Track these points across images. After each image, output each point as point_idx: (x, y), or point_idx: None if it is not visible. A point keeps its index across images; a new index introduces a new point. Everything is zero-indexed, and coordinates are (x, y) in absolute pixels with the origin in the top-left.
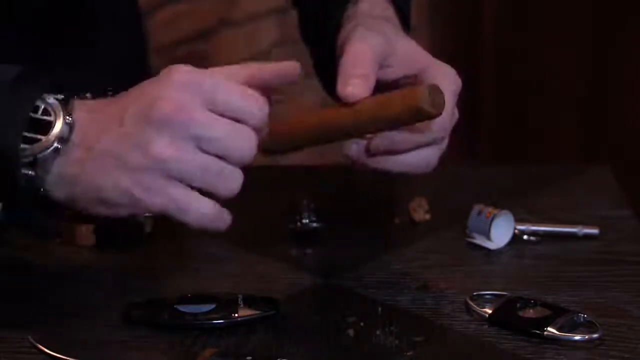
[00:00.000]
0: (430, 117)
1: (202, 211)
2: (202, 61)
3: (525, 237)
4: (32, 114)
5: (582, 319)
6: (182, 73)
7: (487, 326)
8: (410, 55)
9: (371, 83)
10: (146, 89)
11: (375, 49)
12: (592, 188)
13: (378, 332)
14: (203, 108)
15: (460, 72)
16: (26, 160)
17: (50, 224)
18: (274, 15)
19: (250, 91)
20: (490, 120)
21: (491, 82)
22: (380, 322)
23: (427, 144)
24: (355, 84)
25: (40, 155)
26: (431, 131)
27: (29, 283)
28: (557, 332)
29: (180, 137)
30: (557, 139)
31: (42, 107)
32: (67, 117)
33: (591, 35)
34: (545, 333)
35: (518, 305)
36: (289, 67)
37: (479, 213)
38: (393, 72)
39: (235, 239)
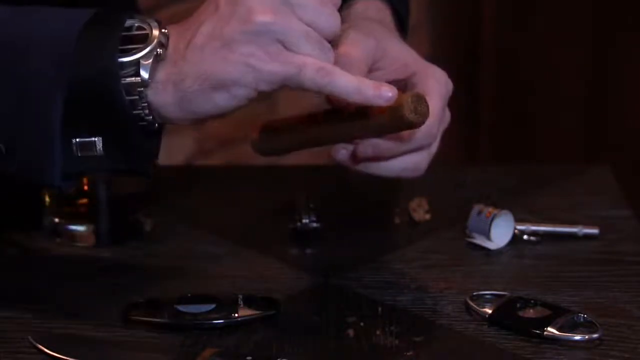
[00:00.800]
0: (413, 126)
1: (316, 65)
2: None
3: (525, 237)
4: (125, 33)
5: (582, 319)
6: None
7: (487, 326)
8: (401, 58)
9: None
10: None
11: (364, 53)
12: (592, 188)
13: (378, 332)
14: None
15: (460, 72)
16: (130, 70)
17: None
18: None
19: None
20: (490, 120)
21: (491, 82)
22: (380, 322)
23: (414, 150)
24: None
25: (144, 62)
26: (416, 139)
27: (29, 283)
28: (557, 332)
29: (278, 4)
30: (557, 139)
31: (135, 24)
32: (162, 29)
33: (591, 35)
34: (545, 333)
35: (518, 305)
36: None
37: (479, 213)
38: (383, 76)
39: (235, 239)
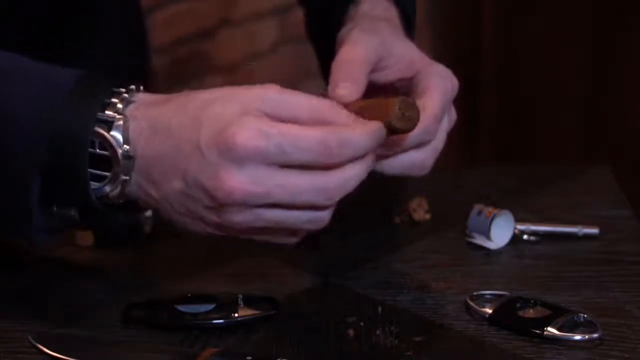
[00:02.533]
0: (400, 132)
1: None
2: (202, 61)
3: (525, 237)
4: (91, 150)
5: (582, 319)
6: (239, 139)
7: (487, 326)
8: (406, 57)
9: (360, 86)
10: (205, 152)
11: (368, 52)
12: (592, 188)
13: (378, 332)
14: (264, 176)
15: (460, 72)
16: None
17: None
18: (274, 15)
19: (318, 139)
20: (490, 120)
21: (491, 82)
22: (380, 322)
23: (415, 147)
24: (344, 87)
25: (110, 190)
26: (413, 135)
27: (29, 283)
28: (557, 332)
29: (248, 208)
30: (557, 139)
31: (97, 141)
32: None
33: (591, 35)
34: (545, 333)
35: (518, 305)
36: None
37: (479, 213)
38: (388, 75)
39: (235, 239)
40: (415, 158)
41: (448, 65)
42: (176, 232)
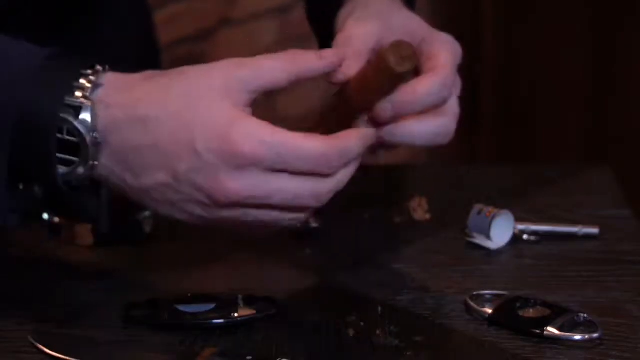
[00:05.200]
0: (402, 75)
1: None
2: (202, 61)
3: (525, 237)
4: (59, 136)
5: (582, 319)
6: (241, 147)
7: (487, 326)
8: (406, 30)
9: (361, 63)
10: (202, 154)
11: (368, 35)
12: (592, 188)
13: (378, 332)
14: (263, 180)
15: (460, 72)
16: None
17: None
18: (274, 15)
19: (318, 151)
20: (490, 120)
21: (491, 82)
22: (380, 322)
23: (435, 105)
24: (346, 65)
25: (80, 171)
26: (431, 88)
27: (29, 283)
28: (557, 332)
29: (241, 208)
30: (558, 138)
31: (65, 128)
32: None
33: (591, 35)
34: (545, 333)
35: (518, 305)
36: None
37: (479, 213)
38: None
39: (235, 239)
40: (439, 125)
41: None
42: (174, 233)
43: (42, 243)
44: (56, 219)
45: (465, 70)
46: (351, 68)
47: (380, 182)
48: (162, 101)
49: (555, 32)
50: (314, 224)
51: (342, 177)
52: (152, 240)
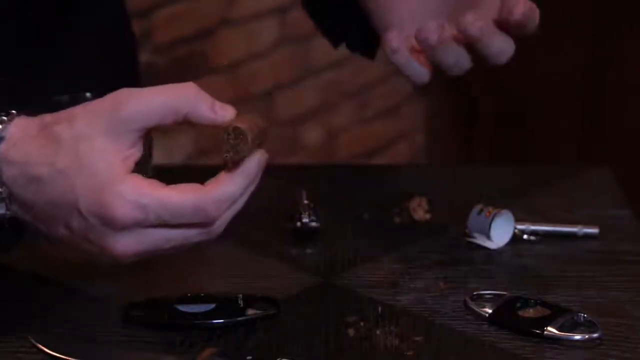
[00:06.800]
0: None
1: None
2: (202, 61)
3: (525, 237)
4: None
5: (582, 319)
6: (116, 212)
7: (487, 326)
8: None
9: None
10: (87, 217)
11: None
12: (592, 188)
13: (378, 332)
14: (149, 238)
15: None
16: None
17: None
18: (274, 15)
19: (192, 203)
20: (490, 120)
21: (491, 82)
22: (380, 322)
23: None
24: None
25: None
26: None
27: (29, 283)
28: (557, 332)
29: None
30: (557, 139)
31: None
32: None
33: (591, 35)
34: (545, 333)
35: (518, 305)
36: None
37: (479, 213)
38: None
39: (235, 239)
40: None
41: None
42: None
43: (42, 243)
44: None
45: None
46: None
47: (380, 182)
48: (52, 159)
49: (554, 32)
50: (314, 224)
51: (230, 213)
52: None
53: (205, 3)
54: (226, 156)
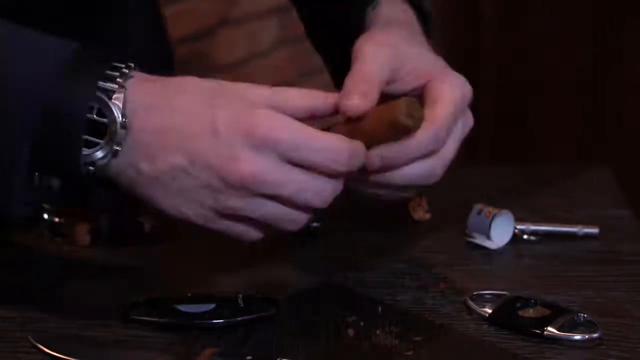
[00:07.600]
0: (408, 130)
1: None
2: (202, 61)
3: (525, 237)
4: (89, 115)
5: (582, 319)
6: (261, 127)
7: (487, 326)
8: (418, 67)
9: (372, 100)
10: (222, 134)
11: (378, 67)
12: (592, 188)
13: (378, 332)
14: (277, 167)
15: (459, 72)
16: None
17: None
18: (274, 15)
19: (332, 145)
20: (490, 120)
21: (491, 82)
22: (380, 322)
23: (424, 156)
24: (355, 98)
25: (100, 158)
26: (422, 143)
27: (29, 283)
28: (557, 332)
29: (251, 195)
30: (557, 139)
31: (96, 107)
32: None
33: (591, 35)
34: (545, 333)
35: (518, 305)
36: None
37: (479, 213)
38: (400, 86)
39: (235, 239)
40: (424, 167)
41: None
42: (174, 233)
43: (42, 243)
44: (56, 219)
45: (465, 70)
46: (360, 107)
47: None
48: (194, 93)
49: (555, 32)
50: (314, 224)
51: (339, 185)
52: (152, 240)
53: (205, 3)
54: (402, 121)
